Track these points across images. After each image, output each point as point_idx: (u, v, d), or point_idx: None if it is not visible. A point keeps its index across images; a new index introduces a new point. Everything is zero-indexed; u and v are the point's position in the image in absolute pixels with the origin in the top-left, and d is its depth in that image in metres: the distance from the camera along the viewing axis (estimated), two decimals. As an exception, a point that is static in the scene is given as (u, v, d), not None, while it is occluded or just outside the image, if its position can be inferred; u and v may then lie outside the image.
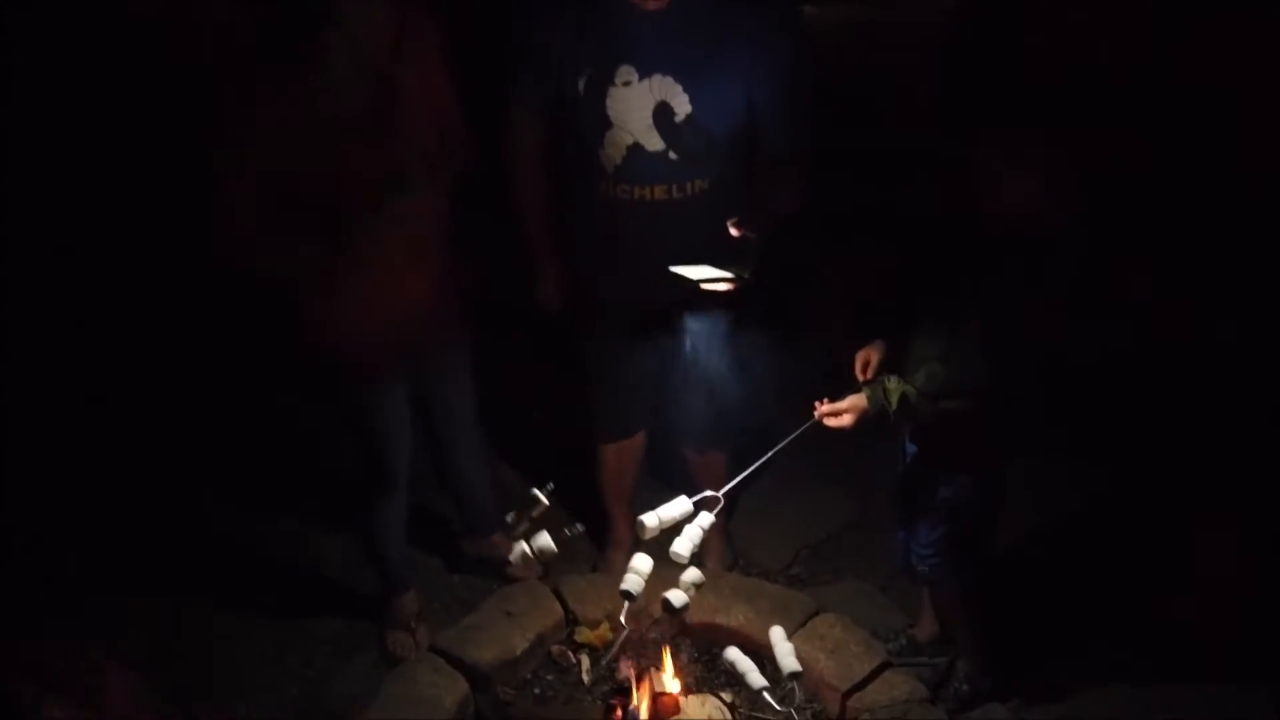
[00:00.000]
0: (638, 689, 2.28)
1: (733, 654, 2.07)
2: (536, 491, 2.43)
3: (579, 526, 2.51)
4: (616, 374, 2.85)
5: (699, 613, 2.76)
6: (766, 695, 1.97)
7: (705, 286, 2.32)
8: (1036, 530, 3.18)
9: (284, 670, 2.87)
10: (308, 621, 3.03)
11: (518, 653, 2.59)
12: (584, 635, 2.67)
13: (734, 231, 2.25)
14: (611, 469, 3.12)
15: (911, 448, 2.62)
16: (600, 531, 3.21)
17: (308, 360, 2.57)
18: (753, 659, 2.58)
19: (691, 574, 2.17)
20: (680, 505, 2.27)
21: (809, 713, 2.48)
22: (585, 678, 2.58)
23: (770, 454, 2.41)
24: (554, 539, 2.31)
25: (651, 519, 2.23)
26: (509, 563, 3.17)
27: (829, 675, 2.50)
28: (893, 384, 2.32)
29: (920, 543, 2.63)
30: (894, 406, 2.31)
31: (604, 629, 2.66)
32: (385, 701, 2.41)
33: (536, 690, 2.56)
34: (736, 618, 2.70)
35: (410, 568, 3.06)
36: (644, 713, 2.23)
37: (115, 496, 3.31)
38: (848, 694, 2.45)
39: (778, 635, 2.10)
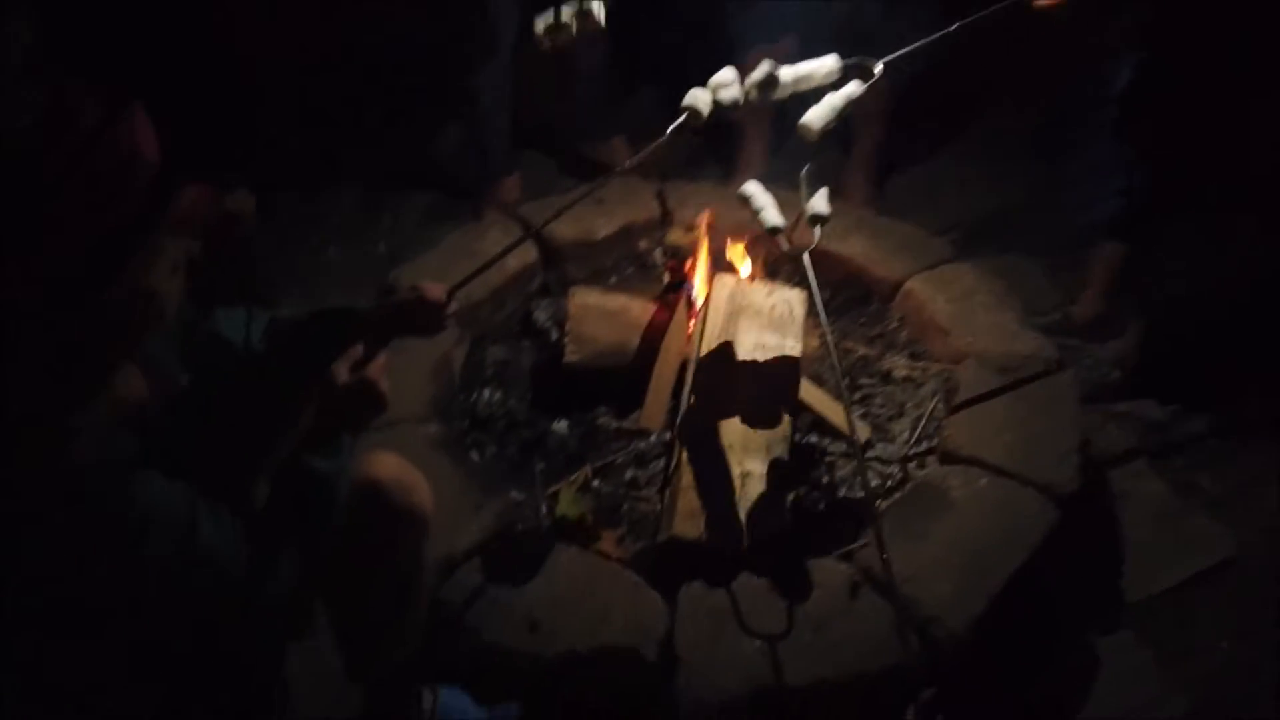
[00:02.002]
0: (701, 265, 2.00)
1: (751, 187, 1.70)
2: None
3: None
4: None
5: (810, 235, 2.41)
6: (780, 237, 1.62)
7: None
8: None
9: (375, 224, 2.80)
10: (409, 189, 2.91)
11: (598, 236, 2.35)
12: (676, 236, 2.37)
13: None
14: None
15: None
16: (730, 149, 2.86)
17: None
18: (858, 304, 2.26)
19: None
20: (825, 63, 1.80)
21: (908, 353, 2.13)
22: (667, 277, 2.32)
23: (957, 26, 1.87)
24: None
25: (787, 72, 1.77)
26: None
27: (941, 318, 2.12)
28: None
29: (1104, 172, 2.14)
30: None
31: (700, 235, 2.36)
32: (445, 249, 2.26)
33: (613, 279, 2.34)
34: (852, 247, 2.33)
35: (514, 156, 2.86)
36: (699, 285, 1.95)
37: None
38: (958, 339, 2.06)
39: (754, 187, 1.72)
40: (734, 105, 1.64)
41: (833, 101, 1.73)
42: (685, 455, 1.72)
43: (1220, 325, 2.11)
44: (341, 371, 1.26)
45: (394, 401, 1.88)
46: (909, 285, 2.22)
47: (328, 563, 1.33)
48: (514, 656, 1.52)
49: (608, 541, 1.71)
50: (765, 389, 1.73)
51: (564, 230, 2.35)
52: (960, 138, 3.16)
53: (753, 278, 1.96)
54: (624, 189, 2.51)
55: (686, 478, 1.68)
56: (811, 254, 2.35)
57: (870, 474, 1.82)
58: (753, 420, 1.74)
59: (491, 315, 2.20)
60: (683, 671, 1.52)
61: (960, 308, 2.14)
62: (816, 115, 1.71)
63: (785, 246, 1.67)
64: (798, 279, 2.33)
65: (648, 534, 1.73)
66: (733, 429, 1.75)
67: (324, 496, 1.25)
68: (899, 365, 2.08)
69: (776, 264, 2.34)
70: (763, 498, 1.69)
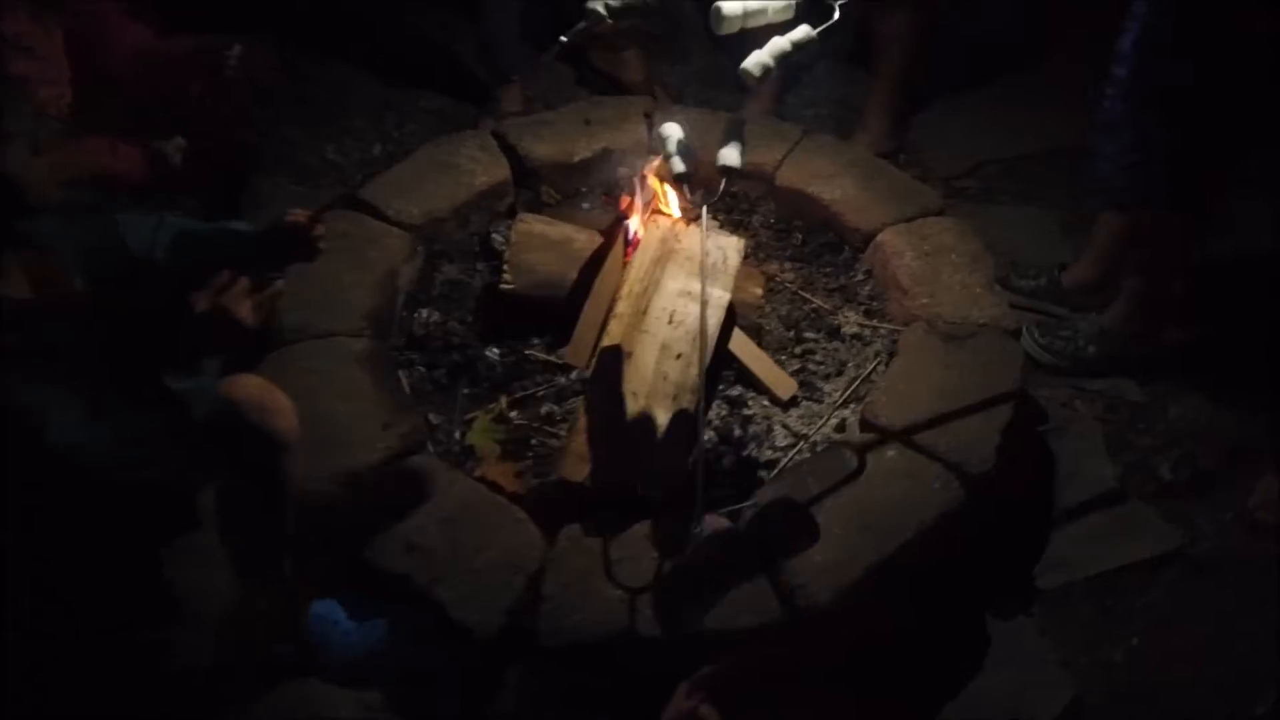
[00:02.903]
0: (642, 206, 1.95)
1: (668, 129, 1.63)
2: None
3: None
4: None
5: (794, 175, 2.31)
6: (685, 185, 1.56)
7: None
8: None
9: (377, 126, 2.82)
10: (417, 93, 2.91)
11: (574, 159, 2.31)
12: (657, 165, 2.27)
13: None
14: None
15: None
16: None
17: None
18: (829, 251, 2.16)
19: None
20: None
21: (864, 310, 2.05)
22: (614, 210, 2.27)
23: None
24: None
25: (734, 6, 1.67)
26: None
27: (903, 275, 2.02)
28: None
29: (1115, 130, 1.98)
30: None
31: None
32: (417, 160, 2.26)
33: (585, 205, 2.30)
34: (834, 190, 2.22)
35: (522, 60, 2.81)
36: (638, 224, 1.91)
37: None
38: (915, 300, 1.97)
39: (671, 129, 1.64)
40: (626, 9, 1.55)
41: (777, 46, 1.63)
42: (588, 398, 1.72)
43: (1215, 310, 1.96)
44: (200, 297, 1.30)
45: (331, 314, 1.98)
46: (882, 237, 2.12)
47: (200, 472, 1.41)
48: (387, 575, 1.59)
49: (506, 474, 1.74)
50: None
51: (541, 149, 2.32)
52: (1010, 80, 2.97)
53: (687, 221, 1.90)
54: (616, 111, 2.45)
55: (583, 420, 1.69)
56: (790, 195, 2.29)
57: (781, 433, 1.80)
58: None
59: (454, 232, 2.21)
60: (545, 609, 1.56)
61: (927, 265, 2.04)
62: (755, 61, 1.62)
63: (688, 197, 1.60)
64: (773, 222, 2.26)
65: (547, 471, 1.76)
66: (641, 376, 1.74)
67: (180, 414, 1.31)
68: (850, 321, 2.01)
69: (750, 207, 2.27)
70: (660, 447, 1.68)
